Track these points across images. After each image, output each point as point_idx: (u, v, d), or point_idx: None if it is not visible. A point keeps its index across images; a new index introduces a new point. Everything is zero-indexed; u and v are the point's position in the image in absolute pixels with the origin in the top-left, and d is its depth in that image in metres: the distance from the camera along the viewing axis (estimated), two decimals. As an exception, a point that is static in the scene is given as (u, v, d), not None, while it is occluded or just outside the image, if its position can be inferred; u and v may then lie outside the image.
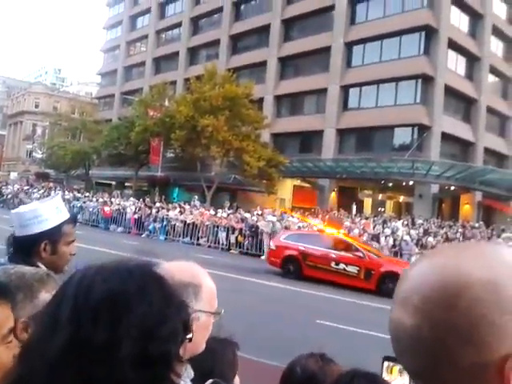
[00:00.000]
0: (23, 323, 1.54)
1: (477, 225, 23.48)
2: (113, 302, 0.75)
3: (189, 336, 0.85)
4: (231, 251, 21.41)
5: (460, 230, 21.90)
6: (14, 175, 56.07)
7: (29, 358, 0.77)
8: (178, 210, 24.83)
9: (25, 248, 2.06)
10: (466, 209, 30.57)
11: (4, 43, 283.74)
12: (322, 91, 33.18)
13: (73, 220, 2.29)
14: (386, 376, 1.62)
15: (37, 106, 62.74)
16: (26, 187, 37.10)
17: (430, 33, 29.57)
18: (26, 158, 60.22)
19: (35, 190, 34.99)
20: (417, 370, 0.64)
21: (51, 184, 42.39)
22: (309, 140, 34.59)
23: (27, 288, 1.56)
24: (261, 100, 34.71)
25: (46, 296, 1.60)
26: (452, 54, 30.71)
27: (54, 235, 2.10)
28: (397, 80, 29.92)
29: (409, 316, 0.63)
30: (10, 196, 35.75)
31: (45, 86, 74.67)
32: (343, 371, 1.77)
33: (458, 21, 31.29)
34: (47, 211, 2.10)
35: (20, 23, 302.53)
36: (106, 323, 0.73)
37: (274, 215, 22.40)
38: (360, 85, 31.83)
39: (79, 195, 30.95)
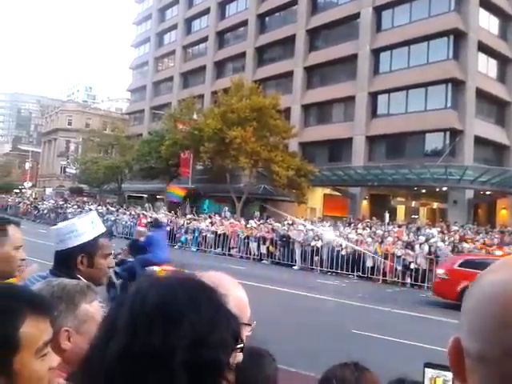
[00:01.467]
0: (66, 332, 1.56)
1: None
2: (165, 311, 0.79)
3: (239, 346, 0.87)
4: (263, 261, 21.37)
5: (497, 235, 21.28)
6: (49, 191, 57.71)
7: (88, 365, 0.82)
8: (209, 221, 24.99)
9: (64, 261, 2.13)
10: (503, 214, 29.67)
11: (38, 63, 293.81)
12: (350, 99, 33.01)
13: (109, 234, 2.33)
14: None
15: (70, 124, 64.49)
16: (60, 202, 38.04)
17: (458, 36, 29.08)
18: (60, 174, 61.88)
19: (69, 205, 35.83)
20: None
21: (85, 198, 43.44)
22: (338, 148, 34.38)
23: (69, 299, 1.59)
24: (288, 110, 34.75)
25: (86, 307, 1.63)
26: (482, 56, 30.09)
27: (90, 248, 2.17)
28: (426, 85, 29.47)
29: (473, 340, 0.60)
30: (45, 211, 36.77)
31: (77, 104, 76.77)
32: (391, 380, 1.72)
33: (488, 23, 30.65)
34: (83, 226, 2.17)
35: (52, 44, 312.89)
36: (159, 332, 0.77)
37: (304, 224, 22.26)
38: (388, 91, 31.52)
39: (112, 209, 31.52)
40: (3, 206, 42.92)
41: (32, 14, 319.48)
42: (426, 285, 17.18)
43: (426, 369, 1.53)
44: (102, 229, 2.26)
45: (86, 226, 2.17)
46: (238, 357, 0.88)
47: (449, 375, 1.47)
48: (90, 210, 29.14)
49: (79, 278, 1.98)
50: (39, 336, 1.06)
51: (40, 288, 1.56)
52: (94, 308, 1.68)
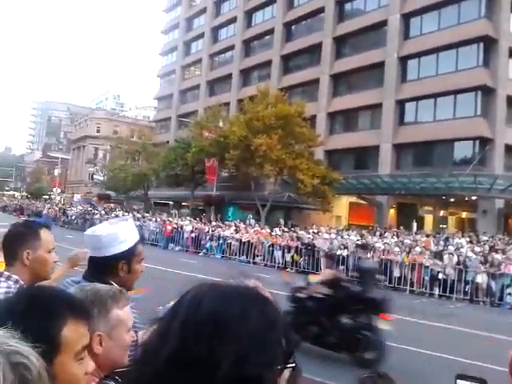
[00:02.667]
0: (98, 337, 1.57)
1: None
2: (215, 321, 0.78)
3: (290, 365, 0.84)
4: (287, 270, 21.24)
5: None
6: (77, 197, 58.89)
7: (140, 365, 0.83)
8: (234, 228, 25.03)
9: (101, 268, 2.14)
10: (535, 224, 28.87)
11: (68, 72, 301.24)
12: (377, 106, 32.75)
13: (141, 240, 2.37)
14: None
15: (98, 131, 65.80)
16: (88, 208, 38.73)
17: (488, 43, 28.57)
18: (88, 181, 63.10)
19: (97, 211, 36.44)
20: None
21: (112, 205, 44.12)
22: (364, 156, 34.09)
23: (101, 304, 1.61)
24: (314, 117, 34.68)
25: (117, 312, 1.63)
26: (514, 63, 29.47)
27: (130, 255, 2.19)
28: (455, 93, 29.02)
29: None
30: (73, 217, 37.47)
31: (105, 112, 78.34)
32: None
33: (520, 29, 30.04)
34: (124, 233, 2.19)
35: (82, 53, 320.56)
36: (206, 341, 0.77)
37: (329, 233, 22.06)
38: (416, 99, 31.15)
39: (139, 215, 31.91)
40: (35, 211, 43.95)
41: (63, 24, 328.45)
42: (454, 296, 16.82)
43: (459, 380, 1.49)
44: (138, 235, 2.31)
45: (127, 233, 2.20)
46: (287, 375, 0.85)
47: None
48: (117, 215, 29.58)
49: (111, 284, 1.99)
50: (79, 339, 1.08)
51: (74, 292, 1.57)
52: (125, 313, 1.68)
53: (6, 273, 2.14)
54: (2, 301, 1.10)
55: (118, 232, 2.18)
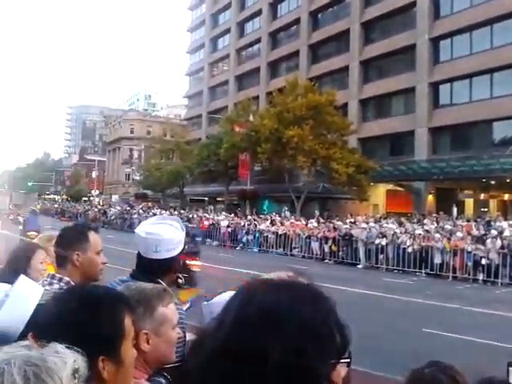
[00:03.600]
0: (145, 335, 1.59)
1: None
2: (266, 315, 0.80)
3: (345, 360, 0.84)
4: (325, 261, 21.13)
5: None
6: (115, 198, 60.25)
7: (193, 355, 0.90)
8: (269, 221, 25.05)
9: (154, 269, 2.17)
10: None
11: (99, 75, 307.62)
12: (410, 90, 32.01)
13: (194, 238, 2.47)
14: None
15: (132, 132, 66.98)
16: (127, 208, 39.56)
17: (525, 17, 27.39)
18: (125, 181, 64.43)
19: (135, 211, 37.19)
20: None
21: (149, 204, 44.91)
22: (399, 142, 33.44)
23: (147, 302, 1.63)
24: (345, 106, 34.23)
25: (163, 310, 1.65)
26: (553, 36, 28.20)
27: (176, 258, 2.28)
28: (491, 71, 28.04)
29: None
30: (113, 217, 38.37)
31: (138, 113, 79.63)
32: (478, 380, 1.63)
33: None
34: (179, 239, 2.25)
35: (112, 55, 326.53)
36: (258, 333, 0.78)
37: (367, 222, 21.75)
38: (451, 80, 30.27)
39: (175, 212, 32.38)
40: (75, 213, 45.24)
41: (93, 28, 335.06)
42: (499, 281, 16.34)
43: (511, 368, 1.44)
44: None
45: (181, 239, 2.27)
46: (342, 371, 0.84)
47: None
48: (155, 214, 30.10)
49: (159, 283, 2.02)
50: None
51: (121, 291, 1.59)
52: (171, 310, 1.70)
53: (58, 275, 2.21)
54: (65, 299, 1.22)
55: (177, 238, 2.24)
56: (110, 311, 1.20)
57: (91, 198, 63.23)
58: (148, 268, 2.17)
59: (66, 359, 0.83)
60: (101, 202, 58.35)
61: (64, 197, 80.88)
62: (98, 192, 65.58)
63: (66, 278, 2.19)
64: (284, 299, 0.81)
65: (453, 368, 1.59)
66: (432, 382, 1.56)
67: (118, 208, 40.80)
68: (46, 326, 1.14)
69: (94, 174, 69.03)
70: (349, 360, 0.85)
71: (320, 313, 0.82)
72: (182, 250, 2.29)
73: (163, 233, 2.20)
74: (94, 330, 1.14)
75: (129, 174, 60.99)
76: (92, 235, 2.32)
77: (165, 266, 2.20)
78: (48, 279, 2.18)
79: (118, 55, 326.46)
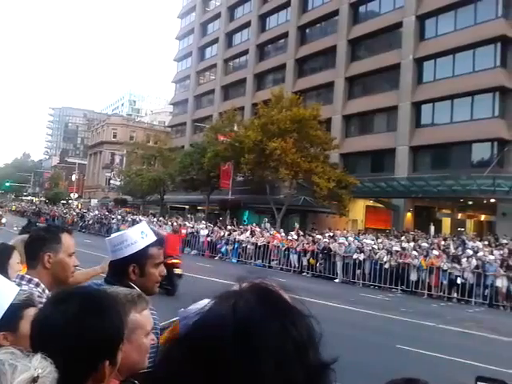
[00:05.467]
0: None
1: None
2: (247, 332, 0.76)
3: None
4: (303, 274, 21.17)
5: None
6: (94, 202, 59.53)
7: (162, 362, 0.84)
8: (249, 232, 25.03)
9: (117, 271, 2.15)
10: (556, 227, 28.31)
11: (84, 78, 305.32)
12: (393, 109, 32.51)
13: (159, 243, 2.33)
14: None
15: (115, 136, 66.48)
16: (105, 213, 39.10)
17: (506, 43, 28.14)
18: (105, 186, 63.73)
19: (114, 216, 36.76)
20: None
21: (128, 209, 44.46)
22: (380, 159, 33.83)
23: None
24: (329, 120, 34.55)
25: (136, 316, 1.63)
26: (532, 64, 29.01)
27: (140, 258, 2.16)
28: (472, 94, 28.68)
29: None
30: (91, 221, 37.87)
31: (122, 117, 79.11)
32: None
33: (537, 29, 29.59)
34: (133, 236, 2.16)
35: (98, 59, 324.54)
36: (236, 348, 0.74)
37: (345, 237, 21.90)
38: (433, 101, 30.86)
39: (154, 219, 32.12)
40: (52, 216, 44.52)
41: (80, 31, 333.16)
42: (473, 300, 16.58)
43: (479, 383, 1.46)
44: (153, 238, 2.24)
45: (135, 236, 2.17)
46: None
47: None
48: (134, 220, 29.81)
49: (132, 287, 1.99)
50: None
51: None
52: (144, 317, 1.68)
53: (28, 276, 2.16)
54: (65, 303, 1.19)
55: (127, 234, 2.17)
56: (114, 314, 1.20)
57: (70, 202, 62.38)
58: (112, 271, 2.15)
59: (24, 365, 0.82)
60: (79, 205, 57.58)
61: (42, 199, 79.65)
62: (76, 195, 64.70)
63: (36, 279, 2.14)
64: (267, 315, 0.78)
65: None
66: None
67: (97, 212, 40.30)
68: (50, 333, 1.12)
69: (73, 177, 68.18)
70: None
71: (303, 327, 0.79)
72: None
73: (115, 234, 2.19)
74: (100, 334, 1.13)
75: (109, 179, 60.36)
76: (65, 237, 2.28)
77: (121, 267, 2.13)
78: (17, 280, 2.11)
79: (104, 59, 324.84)
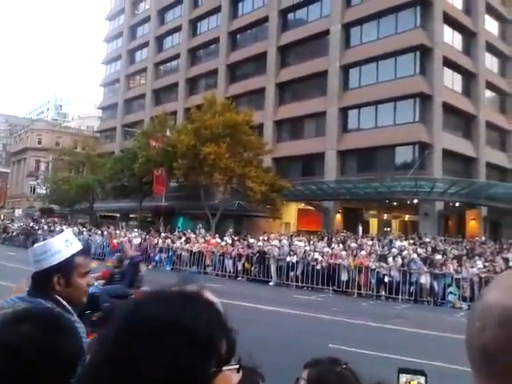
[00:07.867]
0: None
1: (483, 238, 23.33)
2: (148, 326, 0.79)
3: (233, 367, 0.83)
4: (238, 278, 21.25)
5: (468, 246, 21.75)
6: (18, 212, 56.33)
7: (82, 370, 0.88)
8: (184, 239, 24.75)
9: (40, 283, 2.05)
10: (472, 225, 30.39)
11: (6, 82, 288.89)
12: (321, 114, 33.46)
13: (86, 252, 2.27)
14: None
15: (39, 143, 63.41)
16: (31, 224, 37.15)
17: (424, 52, 29.93)
18: (30, 195, 60.55)
19: (40, 226, 35.01)
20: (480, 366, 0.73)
21: (56, 219, 42.51)
22: (311, 163, 34.67)
23: None
24: (261, 126, 34.98)
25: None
26: (448, 71, 31.02)
27: (65, 268, 2.08)
28: (395, 100, 30.15)
29: (480, 331, 0.72)
30: (15, 233, 35.80)
31: (47, 123, 75.64)
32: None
33: (452, 39, 31.72)
34: (57, 245, 2.09)
35: (21, 62, 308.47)
36: (130, 347, 0.77)
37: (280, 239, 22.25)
38: (358, 106, 32.10)
39: (84, 229, 30.96)
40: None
41: (1, 31, 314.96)
42: (400, 297, 17.39)
43: (401, 374, 1.57)
44: (78, 247, 2.17)
45: (59, 245, 2.09)
46: (235, 377, 0.84)
47: (422, 379, 1.52)
48: (62, 230, 28.55)
49: (57, 299, 1.94)
50: None
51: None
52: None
53: None
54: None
55: (51, 244, 2.09)
56: (73, 333, 1.20)
57: (-9, 212, 58.70)
58: (34, 283, 2.06)
59: None
60: (2, 216, 54.29)
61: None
62: (-1, 205, 61.04)
63: None
64: (168, 309, 0.81)
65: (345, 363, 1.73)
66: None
67: (22, 223, 38.19)
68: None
69: (-5, 186, 64.29)
70: (238, 366, 0.85)
71: (202, 321, 0.81)
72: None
73: (37, 244, 2.12)
74: (60, 355, 1.11)
75: (34, 187, 57.46)
76: None
77: (45, 278, 2.04)
78: None
79: (28, 60, 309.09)
